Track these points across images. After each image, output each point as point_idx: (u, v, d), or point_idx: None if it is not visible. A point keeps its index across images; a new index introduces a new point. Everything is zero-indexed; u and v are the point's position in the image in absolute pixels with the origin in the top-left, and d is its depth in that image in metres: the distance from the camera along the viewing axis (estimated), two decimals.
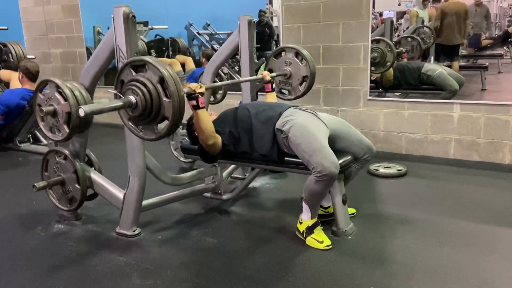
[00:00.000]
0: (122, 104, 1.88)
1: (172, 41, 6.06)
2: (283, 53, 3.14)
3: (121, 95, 1.93)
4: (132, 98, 1.88)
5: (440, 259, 2.14)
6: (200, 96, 2.26)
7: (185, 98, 1.97)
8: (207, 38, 6.12)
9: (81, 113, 1.77)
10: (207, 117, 2.36)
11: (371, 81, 4.01)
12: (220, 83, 3.15)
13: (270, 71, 3.14)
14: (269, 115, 2.40)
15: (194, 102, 2.26)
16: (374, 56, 4.04)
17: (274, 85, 2.97)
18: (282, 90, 3.19)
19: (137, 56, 2.07)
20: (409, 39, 4.56)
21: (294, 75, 3.10)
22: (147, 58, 1.89)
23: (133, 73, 1.92)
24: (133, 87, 1.88)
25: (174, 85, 1.82)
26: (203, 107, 2.30)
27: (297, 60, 3.07)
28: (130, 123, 2.02)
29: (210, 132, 2.36)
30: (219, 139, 2.42)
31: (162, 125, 1.94)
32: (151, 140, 2.03)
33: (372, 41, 3.90)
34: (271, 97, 2.91)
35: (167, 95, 1.84)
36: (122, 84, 1.97)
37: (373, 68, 4.07)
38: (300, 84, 3.10)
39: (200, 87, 2.25)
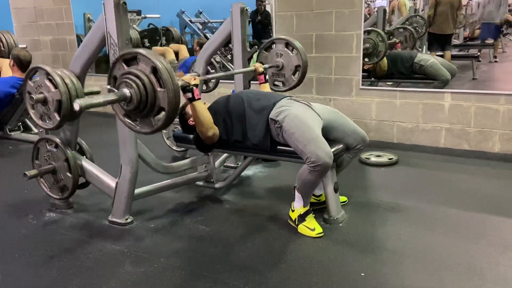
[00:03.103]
0: (117, 98, 1.86)
1: (166, 30, 5.99)
2: (273, 46, 3.11)
3: (115, 90, 1.91)
4: (126, 91, 1.86)
5: (429, 246, 2.18)
6: (194, 88, 2.25)
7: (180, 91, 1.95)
8: (200, 27, 6.06)
9: (76, 107, 1.73)
10: (204, 108, 2.36)
11: (364, 70, 4.01)
12: (213, 75, 3.12)
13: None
14: (263, 104, 2.40)
15: (189, 95, 2.27)
16: (366, 47, 4.03)
17: (267, 77, 2.96)
18: (276, 82, 3.17)
19: (128, 49, 2.04)
20: (401, 29, 4.55)
21: (286, 66, 3.08)
22: (138, 49, 1.87)
23: (125, 67, 1.90)
24: (127, 80, 1.86)
25: (168, 73, 1.81)
26: (199, 99, 2.29)
27: (287, 50, 3.05)
28: (126, 119, 2.00)
29: (209, 123, 2.36)
30: (217, 129, 2.43)
31: (159, 117, 1.92)
32: (147, 134, 2.02)
33: (364, 32, 3.89)
34: (265, 89, 2.90)
35: (161, 85, 1.83)
36: (115, 80, 1.95)
37: (366, 60, 4.06)
38: (293, 74, 3.08)
39: (194, 79, 2.25)
